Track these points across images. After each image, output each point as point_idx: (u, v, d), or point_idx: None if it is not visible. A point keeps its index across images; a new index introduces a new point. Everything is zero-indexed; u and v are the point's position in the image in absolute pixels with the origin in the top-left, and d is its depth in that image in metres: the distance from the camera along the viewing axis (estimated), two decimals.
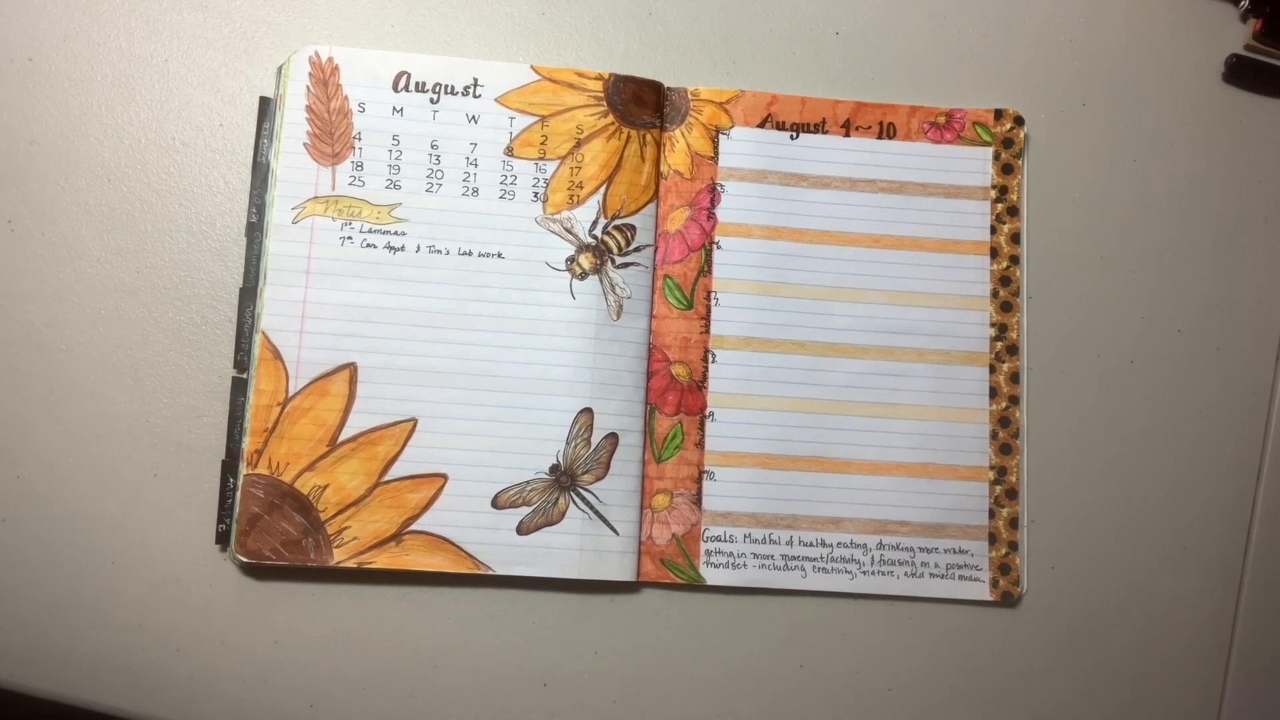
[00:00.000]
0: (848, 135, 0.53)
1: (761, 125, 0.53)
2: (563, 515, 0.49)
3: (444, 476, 0.49)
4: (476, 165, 0.51)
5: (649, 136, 0.52)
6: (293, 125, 0.50)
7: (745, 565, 0.50)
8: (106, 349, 0.49)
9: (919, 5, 0.55)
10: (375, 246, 0.50)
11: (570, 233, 0.51)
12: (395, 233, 0.50)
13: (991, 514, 0.51)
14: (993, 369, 0.52)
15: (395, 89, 0.51)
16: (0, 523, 0.47)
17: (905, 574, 0.50)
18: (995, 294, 0.53)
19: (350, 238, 0.50)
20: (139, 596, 0.47)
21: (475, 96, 0.51)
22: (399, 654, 0.48)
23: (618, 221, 0.51)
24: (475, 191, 0.51)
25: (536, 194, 0.51)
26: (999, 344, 0.52)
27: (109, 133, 0.51)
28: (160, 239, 0.50)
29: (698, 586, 0.50)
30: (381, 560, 0.48)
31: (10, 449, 0.48)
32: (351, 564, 0.48)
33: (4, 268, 0.50)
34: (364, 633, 0.48)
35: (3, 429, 0.49)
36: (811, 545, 0.50)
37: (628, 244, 0.51)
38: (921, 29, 0.55)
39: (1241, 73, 0.55)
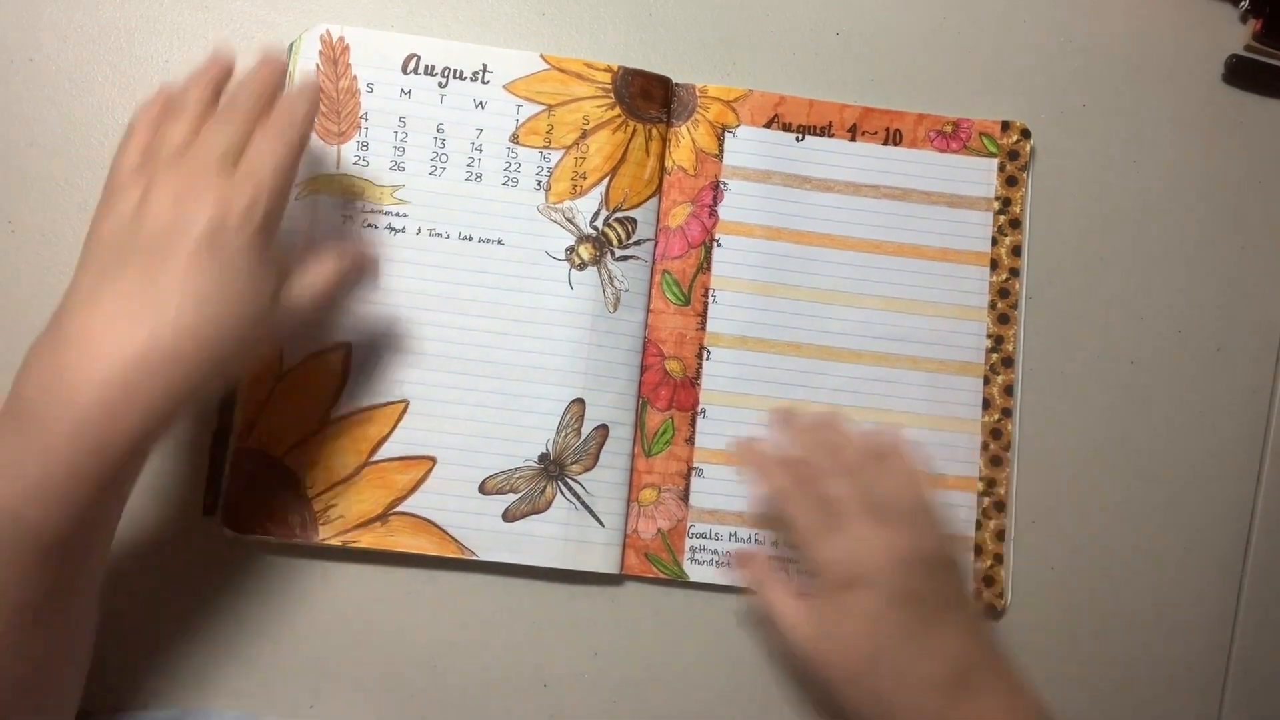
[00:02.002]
0: (854, 140, 0.53)
1: (768, 125, 0.53)
2: (549, 504, 0.49)
3: (432, 459, 0.49)
4: (481, 151, 0.51)
5: (655, 131, 0.52)
6: None
7: (729, 564, 0.50)
8: None
9: (918, 5, 0.55)
10: (376, 227, 0.50)
11: (571, 223, 0.51)
12: (397, 214, 0.50)
13: (979, 525, 0.51)
14: (987, 380, 0.52)
15: (404, 71, 0.51)
16: None
17: None
18: (993, 305, 0.53)
19: (351, 217, 0.50)
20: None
21: (484, 83, 0.51)
22: (399, 655, 0.49)
23: (619, 214, 0.51)
24: (479, 177, 0.51)
25: (540, 182, 0.51)
26: (994, 355, 0.52)
27: (109, 133, 0.51)
28: None
29: (680, 582, 0.50)
30: (366, 540, 0.48)
31: None
32: (336, 542, 0.48)
33: (4, 268, 0.50)
34: (364, 633, 0.49)
35: None
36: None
37: (628, 237, 0.51)
38: (920, 29, 0.55)
39: (1241, 73, 0.55)
